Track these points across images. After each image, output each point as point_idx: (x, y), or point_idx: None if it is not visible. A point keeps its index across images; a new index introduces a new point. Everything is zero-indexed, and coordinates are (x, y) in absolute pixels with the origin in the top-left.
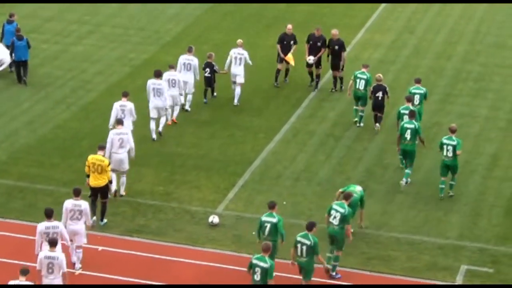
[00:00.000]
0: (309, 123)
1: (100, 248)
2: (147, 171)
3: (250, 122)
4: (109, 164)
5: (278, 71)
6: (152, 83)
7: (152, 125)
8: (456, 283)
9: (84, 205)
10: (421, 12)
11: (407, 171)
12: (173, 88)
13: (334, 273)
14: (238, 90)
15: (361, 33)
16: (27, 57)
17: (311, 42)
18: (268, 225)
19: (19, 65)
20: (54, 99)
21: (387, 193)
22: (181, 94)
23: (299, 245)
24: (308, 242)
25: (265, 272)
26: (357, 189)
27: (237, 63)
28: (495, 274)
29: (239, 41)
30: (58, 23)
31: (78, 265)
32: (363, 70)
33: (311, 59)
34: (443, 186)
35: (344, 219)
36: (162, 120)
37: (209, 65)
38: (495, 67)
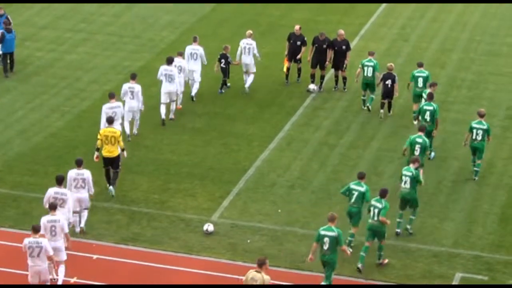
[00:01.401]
0: (304, 131)
1: (95, 256)
2: (142, 179)
3: (245, 130)
4: (120, 134)
5: (287, 69)
6: (164, 69)
7: (163, 109)
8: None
9: (87, 174)
10: (416, 19)
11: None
12: (179, 74)
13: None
14: (250, 78)
15: (356, 40)
16: (14, 49)
17: (316, 45)
18: (356, 193)
19: (6, 57)
20: (48, 107)
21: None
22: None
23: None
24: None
25: (335, 240)
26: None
27: (247, 53)
28: (489, 282)
29: (249, 32)
30: (52, 31)
31: (82, 223)
32: (370, 57)
33: (312, 88)
34: (473, 164)
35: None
36: (173, 107)
37: (224, 56)
38: (489, 75)
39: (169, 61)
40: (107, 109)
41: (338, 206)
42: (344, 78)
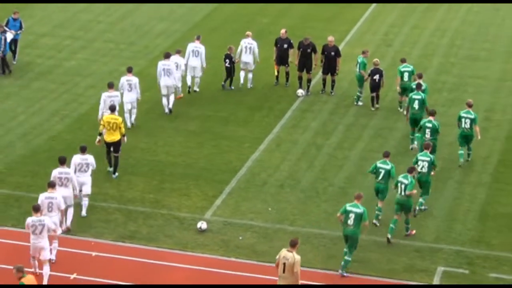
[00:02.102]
0: (292, 133)
1: (93, 253)
2: (138, 180)
3: (236, 132)
4: (122, 121)
5: (278, 72)
6: (162, 64)
7: (164, 101)
8: (434, 284)
9: (90, 159)
10: (398, 26)
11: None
12: (178, 70)
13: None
14: (250, 75)
15: (341, 46)
16: (18, 37)
17: (301, 50)
18: (383, 171)
19: (10, 44)
20: (48, 112)
21: (367, 199)
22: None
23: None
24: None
25: (360, 217)
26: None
27: (247, 52)
28: (470, 275)
29: (249, 32)
30: (52, 38)
31: (84, 212)
32: (361, 55)
33: (300, 93)
34: (462, 152)
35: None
36: (171, 98)
37: (228, 56)
38: (468, 78)
39: (167, 56)
40: (106, 97)
41: (325, 204)
42: (333, 82)
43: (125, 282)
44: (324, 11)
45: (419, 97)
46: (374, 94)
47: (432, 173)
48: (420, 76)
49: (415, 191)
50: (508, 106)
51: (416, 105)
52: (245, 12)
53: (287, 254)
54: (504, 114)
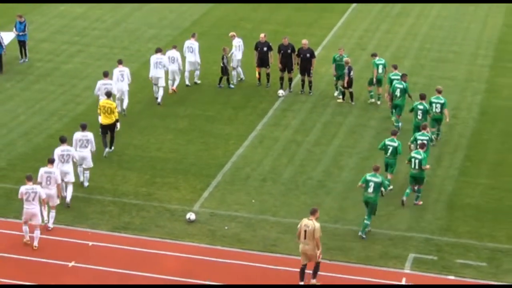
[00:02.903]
0: (274, 131)
1: (90, 243)
2: (131, 174)
3: (222, 130)
4: (116, 106)
5: (259, 74)
6: (156, 58)
7: (155, 89)
8: (405, 270)
9: (90, 135)
10: (371, 31)
11: (394, 118)
12: (173, 64)
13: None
14: (239, 69)
15: (319, 50)
16: (26, 38)
17: (282, 52)
18: (391, 148)
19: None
20: (47, 111)
21: (343, 191)
22: (179, 69)
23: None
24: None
25: (379, 185)
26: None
27: (238, 50)
28: (439, 261)
29: (232, 33)
30: (51, 44)
31: (86, 183)
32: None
33: (281, 93)
34: (433, 131)
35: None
36: (160, 91)
37: (223, 57)
38: (438, 78)
39: (158, 51)
40: (100, 84)
41: (305, 196)
42: (310, 82)
43: (120, 269)
44: (304, 18)
45: (401, 86)
46: (351, 90)
47: (433, 143)
48: (395, 68)
49: (428, 166)
50: (474, 104)
51: (398, 93)
52: (231, 19)
53: (307, 222)
54: (469, 112)
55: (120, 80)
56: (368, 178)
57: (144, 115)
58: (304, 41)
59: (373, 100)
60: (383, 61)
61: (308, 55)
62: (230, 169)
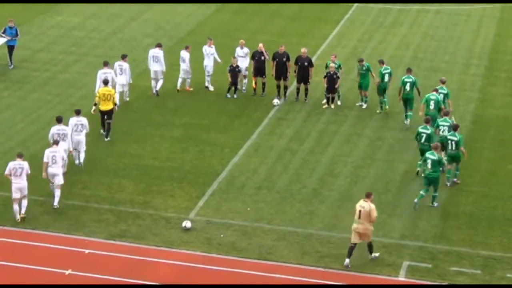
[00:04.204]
0: (269, 139)
1: (87, 251)
2: (128, 183)
3: (217, 139)
4: (114, 93)
5: (255, 83)
6: (152, 52)
7: (153, 83)
8: (400, 278)
9: (84, 120)
10: (365, 41)
11: (409, 113)
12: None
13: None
14: (245, 80)
15: (313, 59)
16: (15, 43)
17: (277, 59)
18: (424, 135)
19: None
20: (44, 121)
21: (337, 199)
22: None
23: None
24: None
25: (436, 162)
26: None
27: (241, 59)
28: (433, 269)
29: (242, 41)
30: (47, 53)
31: (81, 163)
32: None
33: (276, 102)
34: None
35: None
36: (160, 82)
37: (234, 67)
38: (431, 87)
39: (158, 45)
40: (101, 74)
41: (299, 204)
42: (306, 90)
43: (116, 277)
44: (298, 28)
45: (410, 80)
46: (335, 95)
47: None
48: (409, 71)
49: (464, 150)
50: (466, 113)
51: (408, 87)
52: (226, 28)
53: (363, 203)
54: (462, 120)
55: (119, 74)
56: (427, 155)
57: (140, 124)
58: (303, 50)
59: (379, 110)
60: (389, 70)
61: (306, 63)
62: (225, 178)
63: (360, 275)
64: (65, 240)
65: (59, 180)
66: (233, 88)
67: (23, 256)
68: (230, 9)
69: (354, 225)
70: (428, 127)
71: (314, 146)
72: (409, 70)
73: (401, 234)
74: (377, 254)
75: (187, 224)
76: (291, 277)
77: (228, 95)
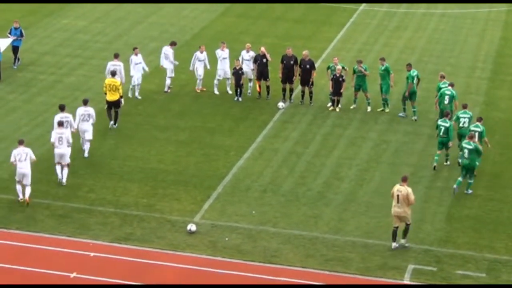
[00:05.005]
0: (274, 142)
1: (92, 254)
2: (133, 186)
3: (223, 142)
4: (120, 83)
5: (259, 87)
6: (164, 49)
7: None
8: (405, 281)
9: (91, 110)
10: (370, 44)
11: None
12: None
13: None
14: (250, 83)
15: (318, 63)
16: (20, 44)
17: (284, 62)
18: (443, 128)
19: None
20: (49, 124)
21: (343, 202)
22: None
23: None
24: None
25: (472, 151)
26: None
27: (247, 63)
28: (438, 272)
29: (248, 45)
30: (53, 56)
31: (86, 154)
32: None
33: (281, 105)
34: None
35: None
36: (167, 81)
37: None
38: (436, 91)
39: (172, 44)
40: (110, 65)
41: (305, 207)
42: (310, 93)
43: (121, 280)
44: (303, 31)
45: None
46: (340, 98)
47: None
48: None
49: (486, 139)
50: (472, 116)
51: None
52: (231, 32)
53: (400, 188)
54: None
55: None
56: (463, 145)
57: (145, 127)
58: (305, 52)
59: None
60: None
61: (308, 66)
62: (230, 181)
63: (366, 278)
64: (70, 243)
65: (66, 159)
66: (238, 90)
67: (29, 259)
68: (234, 12)
69: (394, 210)
70: (447, 120)
71: (319, 149)
72: (409, 65)
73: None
74: (407, 245)
75: (192, 227)
76: (296, 280)
77: (236, 98)
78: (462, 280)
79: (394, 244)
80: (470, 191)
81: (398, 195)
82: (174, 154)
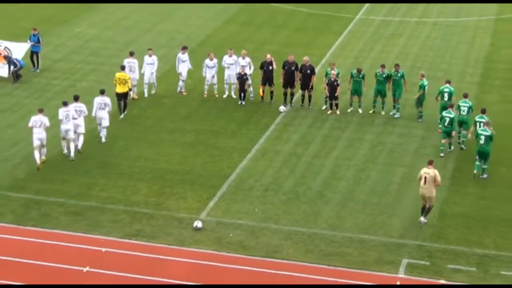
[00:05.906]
0: (276, 144)
1: (104, 249)
2: (142, 185)
3: (227, 144)
4: (129, 78)
5: (263, 91)
6: (179, 55)
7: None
8: (399, 275)
9: (107, 100)
10: (366, 51)
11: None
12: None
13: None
14: (251, 88)
15: (317, 68)
16: (39, 50)
17: (286, 68)
18: (448, 119)
19: (31, 56)
20: None
21: (341, 200)
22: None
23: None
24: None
25: (488, 137)
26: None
27: (249, 68)
28: (431, 266)
29: (244, 51)
30: (66, 63)
31: (103, 139)
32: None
33: (282, 109)
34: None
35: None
36: (180, 83)
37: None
38: (428, 95)
39: (184, 48)
40: (126, 62)
41: (305, 205)
42: (310, 97)
43: (131, 274)
44: (303, 38)
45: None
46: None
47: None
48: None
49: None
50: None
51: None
52: (235, 39)
53: (427, 170)
54: None
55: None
56: (480, 131)
57: (154, 129)
58: (306, 58)
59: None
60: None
61: (308, 71)
62: (234, 180)
63: (362, 272)
64: (83, 239)
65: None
66: (242, 94)
67: (44, 255)
68: (238, 20)
69: (421, 191)
70: (452, 111)
71: (319, 151)
72: (396, 65)
73: (400, 233)
74: (426, 221)
75: (198, 224)
76: (296, 274)
77: (240, 102)
78: (453, 273)
79: (421, 218)
80: (485, 175)
81: (425, 177)
82: (181, 155)
